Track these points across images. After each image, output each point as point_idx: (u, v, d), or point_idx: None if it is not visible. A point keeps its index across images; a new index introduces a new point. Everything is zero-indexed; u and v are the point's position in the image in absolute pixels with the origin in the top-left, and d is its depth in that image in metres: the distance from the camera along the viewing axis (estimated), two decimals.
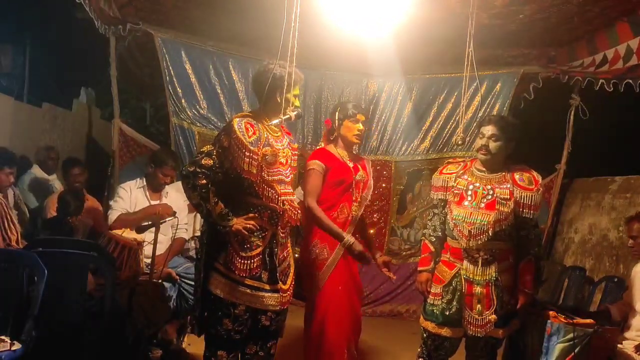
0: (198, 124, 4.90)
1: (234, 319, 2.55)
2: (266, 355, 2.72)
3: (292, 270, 2.75)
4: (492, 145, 2.67)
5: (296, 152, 2.79)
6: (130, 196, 3.77)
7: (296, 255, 2.97)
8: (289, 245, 2.75)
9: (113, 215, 3.67)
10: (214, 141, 2.59)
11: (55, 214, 4.01)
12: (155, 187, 3.82)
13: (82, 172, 4.56)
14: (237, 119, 2.56)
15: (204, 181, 2.49)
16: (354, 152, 3.18)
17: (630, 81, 4.03)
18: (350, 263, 3.05)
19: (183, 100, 4.88)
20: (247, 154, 2.48)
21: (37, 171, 4.89)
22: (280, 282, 2.62)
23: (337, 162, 3.02)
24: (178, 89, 4.86)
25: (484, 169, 2.75)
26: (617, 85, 4.20)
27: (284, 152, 2.66)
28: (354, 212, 3.02)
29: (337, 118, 3.07)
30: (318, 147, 3.24)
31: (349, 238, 2.88)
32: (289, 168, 2.69)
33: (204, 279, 2.58)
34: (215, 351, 2.58)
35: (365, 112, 3.11)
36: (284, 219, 2.61)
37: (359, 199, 3.05)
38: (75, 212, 3.73)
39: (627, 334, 3.02)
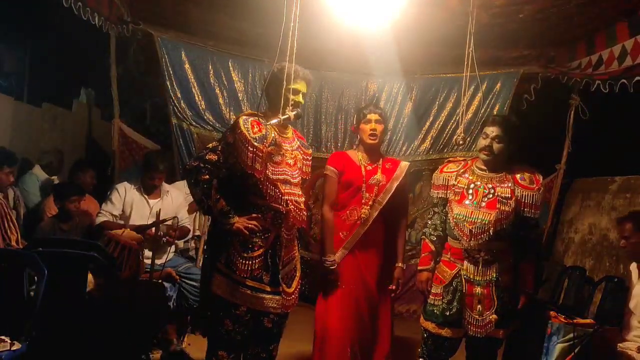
0: (196, 125, 4.89)
1: (235, 320, 2.55)
2: (268, 357, 2.72)
3: (298, 273, 2.74)
4: (496, 146, 2.67)
5: (309, 158, 2.79)
6: (125, 197, 3.81)
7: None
8: (295, 247, 2.74)
9: (99, 219, 3.78)
10: (219, 138, 2.62)
11: (53, 213, 4.02)
12: (147, 189, 3.87)
13: (92, 177, 4.75)
14: (244, 117, 2.57)
15: (207, 177, 2.50)
16: (382, 154, 3.22)
17: (625, 81, 4.02)
18: (360, 264, 3.05)
19: (182, 101, 4.87)
20: (250, 149, 2.48)
21: (38, 172, 4.88)
22: (283, 285, 2.61)
23: (350, 166, 3.08)
24: (177, 89, 4.84)
25: (485, 167, 2.75)
26: (612, 86, 4.19)
27: (292, 154, 2.66)
28: (363, 215, 3.04)
29: (354, 124, 3.17)
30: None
31: (331, 260, 2.96)
32: (297, 170, 2.68)
33: (207, 278, 2.59)
34: (217, 351, 2.59)
35: (377, 110, 3.12)
36: (289, 220, 2.61)
37: (370, 202, 3.05)
38: (75, 192, 3.86)
39: (626, 335, 3.01)
